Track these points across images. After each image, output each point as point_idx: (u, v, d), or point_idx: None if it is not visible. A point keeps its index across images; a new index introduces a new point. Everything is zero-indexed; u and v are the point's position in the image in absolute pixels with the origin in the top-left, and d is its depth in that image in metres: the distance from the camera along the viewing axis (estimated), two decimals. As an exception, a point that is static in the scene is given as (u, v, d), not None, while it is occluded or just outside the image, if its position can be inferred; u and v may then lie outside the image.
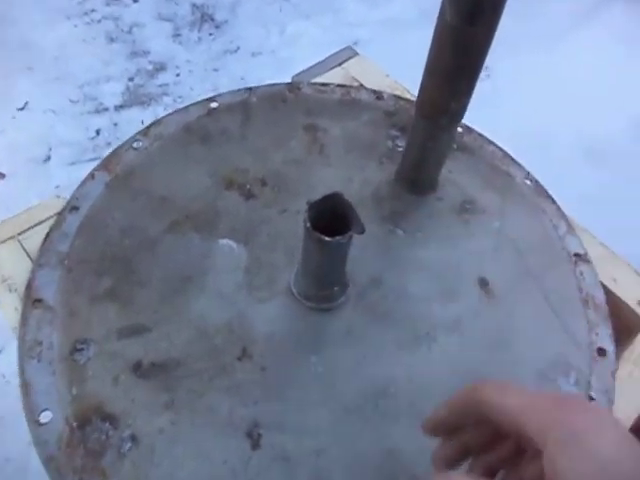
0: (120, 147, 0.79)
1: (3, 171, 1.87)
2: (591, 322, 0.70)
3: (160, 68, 2.42)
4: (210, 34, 2.59)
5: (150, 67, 2.42)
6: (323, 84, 0.89)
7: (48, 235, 0.69)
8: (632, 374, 0.69)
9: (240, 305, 0.67)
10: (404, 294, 0.70)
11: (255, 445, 0.59)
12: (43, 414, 0.58)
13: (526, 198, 0.81)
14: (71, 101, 2.22)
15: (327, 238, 0.55)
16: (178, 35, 2.55)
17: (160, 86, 2.32)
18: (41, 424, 0.58)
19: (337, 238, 0.55)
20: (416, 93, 0.67)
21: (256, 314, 0.67)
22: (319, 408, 0.61)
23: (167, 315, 0.65)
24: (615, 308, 0.74)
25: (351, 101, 0.87)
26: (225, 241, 0.72)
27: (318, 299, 0.67)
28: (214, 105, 0.85)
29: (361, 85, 0.90)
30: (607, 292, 0.75)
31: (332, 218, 0.58)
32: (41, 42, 2.33)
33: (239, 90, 0.86)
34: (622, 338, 0.75)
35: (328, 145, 0.83)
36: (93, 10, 2.50)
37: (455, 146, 0.85)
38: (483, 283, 0.72)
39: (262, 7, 2.71)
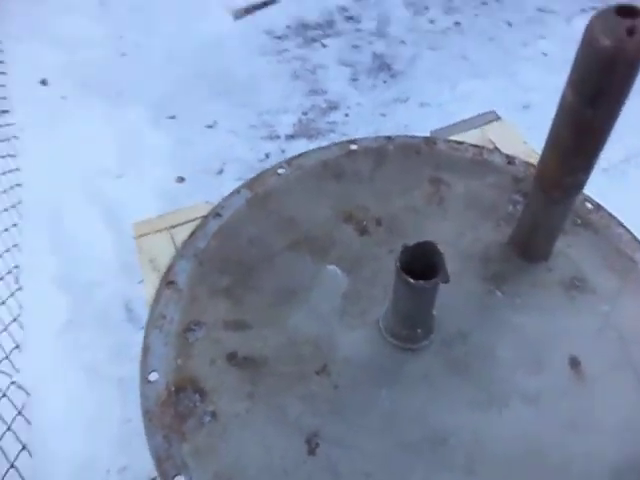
0: (266, 171, 0.92)
1: (184, 176, 2.18)
2: (690, 433, 0.65)
3: (333, 107, 2.63)
4: (384, 82, 2.75)
5: (324, 105, 2.63)
6: (458, 142, 0.94)
7: (193, 233, 0.84)
8: None
9: (331, 326, 0.74)
10: (489, 354, 0.72)
11: (311, 451, 0.64)
12: (152, 374, 0.70)
13: (646, 288, 0.77)
14: (251, 126, 2.50)
15: (412, 280, 0.60)
16: (355, 80, 2.75)
17: (329, 123, 2.51)
18: (149, 382, 0.70)
19: (421, 282, 0.60)
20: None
21: (343, 338, 0.73)
22: (377, 436, 0.65)
23: (267, 319, 0.75)
24: None
25: (482, 162, 0.91)
26: (332, 267, 0.80)
27: (401, 338, 0.71)
28: (353, 147, 0.94)
29: (495, 148, 0.93)
30: None
31: (424, 264, 0.62)
32: (237, 72, 2.68)
33: (379, 137, 0.95)
34: None
35: (448, 199, 0.87)
36: (286, 50, 2.81)
37: (579, 221, 0.84)
38: (574, 363, 0.71)
39: (440, 63, 2.81)
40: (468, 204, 0.86)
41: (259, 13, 2.93)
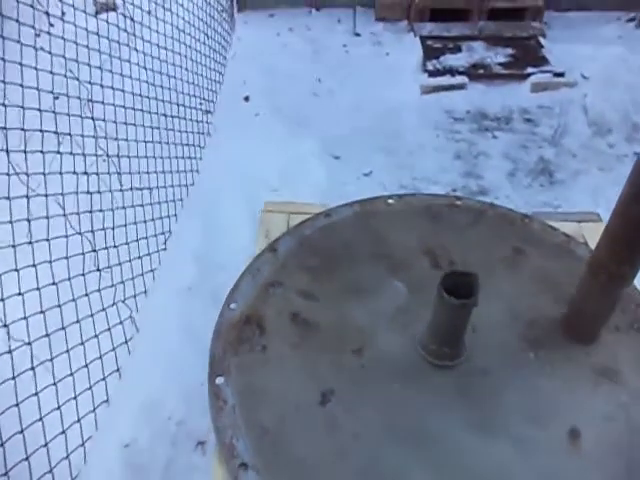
0: (379, 197, 1.10)
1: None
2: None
3: (482, 192, 2.74)
4: (541, 185, 2.80)
5: (475, 188, 2.76)
6: (552, 227, 1.04)
7: (304, 221, 1.05)
8: None
9: (378, 325, 0.89)
10: (499, 395, 0.81)
11: (322, 403, 0.79)
12: (233, 304, 0.91)
13: (676, 402, 0.80)
14: (401, 185, 2.70)
15: (445, 294, 0.74)
16: (513, 175, 2.85)
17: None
18: (229, 308, 0.90)
19: (452, 298, 0.73)
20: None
21: (384, 336, 0.88)
22: (377, 413, 0.78)
23: (332, 300, 0.92)
24: None
25: (567, 249, 1.00)
26: (399, 283, 0.95)
27: (428, 351, 0.84)
28: (458, 203, 1.09)
29: (585, 242, 1.02)
30: None
31: (464, 291, 0.75)
32: (408, 138, 2.92)
33: (482, 202, 1.09)
34: None
35: (522, 268, 0.98)
36: (458, 132, 3.01)
37: (636, 326, 0.89)
38: (574, 433, 0.77)
39: (604, 184, 2.79)
40: (538, 276, 0.96)
41: (445, 94, 3.19)
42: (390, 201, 1.10)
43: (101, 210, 1.95)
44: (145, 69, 2.40)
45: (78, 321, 1.71)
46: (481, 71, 3.23)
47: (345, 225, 1.04)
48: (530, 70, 3.24)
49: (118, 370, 1.84)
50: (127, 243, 2.04)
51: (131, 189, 2.14)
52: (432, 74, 3.21)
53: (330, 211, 1.07)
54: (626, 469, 0.73)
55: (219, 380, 0.81)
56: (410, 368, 0.83)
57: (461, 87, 3.21)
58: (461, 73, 3.22)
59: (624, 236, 0.71)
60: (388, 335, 0.88)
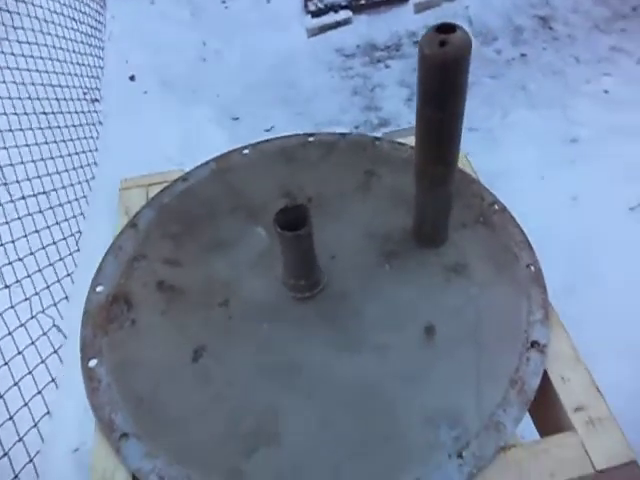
0: (234, 150, 1.11)
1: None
2: (507, 400, 0.74)
3: (383, 124, 2.78)
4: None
5: (376, 121, 2.79)
6: (400, 143, 1.08)
7: (161, 191, 1.05)
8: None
9: (241, 273, 0.91)
10: (358, 312, 0.85)
11: (195, 359, 0.82)
12: (99, 287, 0.91)
13: (518, 281, 0.87)
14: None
15: (279, 230, 0.76)
16: (410, 100, 2.89)
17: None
18: (95, 292, 0.91)
19: (286, 232, 0.76)
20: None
21: (248, 283, 0.90)
22: (248, 358, 0.81)
23: (195, 261, 0.94)
24: (551, 403, 0.76)
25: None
26: (260, 229, 0.97)
27: (289, 287, 0.87)
28: (311, 139, 1.11)
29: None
30: (549, 387, 0.77)
31: (301, 223, 0.78)
32: (302, 84, 2.91)
33: (334, 134, 1.11)
34: (545, 430, 0.76)
35: (374, 189, 1.01)
36: (351, 68, 3.01)
37: (481, 219, 0.94)
38: (430, 330, 0.82)
39: (497, 91, 2.86)
40: (389, 194, 1.00)
41: (332, 33, 3.16)
42: (245, 152, 1.11)
43: (-6, 226, 1.89)
44: (10, 69, 2.28)
45: (-4, 342, 1.68)
46: (363, 1, 3.21)
47: (203, 186, 1.05)
48: (410, -9, 3.23)
49: (53, 380, 1.83)
50: (32, 253, 1.99)
51: (23, 197, 2.07)
52: (315, 14, 3.18)
53: (187, 175, 1.07)
54: (475, 353, 0.79)
55: (92, 362, 0.82)
56: (275, 307, 0.87)
57: (346, 22, 3.19)
58: (344, 7, 3.20)
59: (428, 138, 0.75)
60: (253, 281, 0.90)
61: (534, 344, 0.79)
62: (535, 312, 0.83)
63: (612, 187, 2.12)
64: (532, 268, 0.88)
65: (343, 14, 3.17)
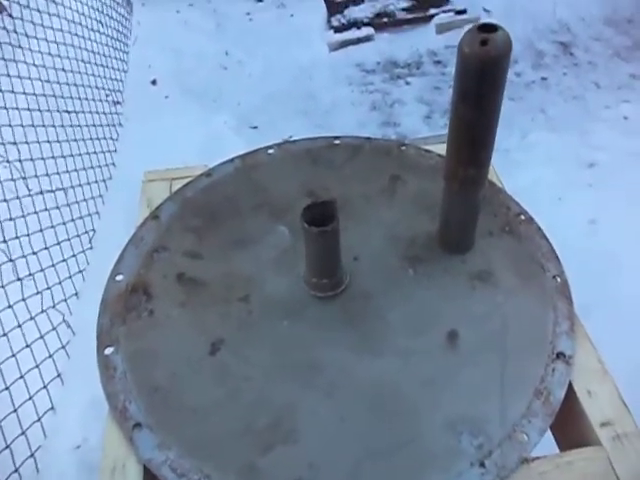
0: (260, 149, 1.11)
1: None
2: (531, 410, 0.72)
3: (401, 139, 2.77)
4: (457, 124, 2.85)
5: (394, 137, 2.79)
6: (427, 150, 1.07)
7: (185, 185, 1.04)
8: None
9: (264, 270, 0.90)
10: (381, 315, 0.84)
11: (212, 353, 0.81)
12: (118, 276, 0.91)
13: (544, 291, 0.85)
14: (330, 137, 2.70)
15: (306, 225, 0.75)
16: (429, 117, 2.89)
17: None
18: (115, 280, 0.90)
19: (313, 228, 0.75)
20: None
21: (269, 280, 0.89)
22: (268, 354, 0.80)
23: (216, 255, 0.93)
24: (576, 417, 0.74)
25: (440, 169, 1.03)
26: (283, 228, 0.96)
27: (311, 285, 0.86)
28: (337, 142, 1.11)
29: (458, 160, 1.05)
30: (574, 400, 0.75)
31: (327, 221, 0.77)
32: (322, 97, 2.93)
33: (359, 138, 1.11)
34: (568, 444, 0.73)
35: (400, 193, 1.00)
36: (371, 83, 3.03)
37: (507, 229, 0.93)
38: (453, 335, 0.81)
39: (516, 112, 2.87)
40: (415, 199, 0.99)
41: (353, 48, 3.19)
42: (270, 151, 1.10)
43: (11, 219, 1.90)
44: (37, 67, 2.31)
45: (5, 334, 1.67)
46: (385, 19, 3.25)
47: (227, 182, 1.05)
48: (433, 11, 3.27)
49: (59, 376, 1.82)
50: (47, 248, 1.99)
51: (41, 192, 2.08)
52: (338, 30, 3.21)
53: (211, 170, 1.07)
54: (499, 361, 0.78)
55: (108, 350, 0.81)
56: (296, 305, 0.85)
57: (368, 39, 3.22)
58: (366, 24, 3.22)
59: (462, 138, 0.74)
60: (274, 278, 0.89)
61: (560, 355, 0.78)
62: (561, 323, 0.81)
63: (630, 212, 2.10)
64: (558, 279, 0.87)
65: (365, 31, 3.20)
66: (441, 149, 1.09)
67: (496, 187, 1.02)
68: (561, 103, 2.93)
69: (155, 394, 0.76)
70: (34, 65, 2.30)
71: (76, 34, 2.66)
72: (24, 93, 2.18)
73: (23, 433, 1.59)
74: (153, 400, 0.75)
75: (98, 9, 2.93)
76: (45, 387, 1.73)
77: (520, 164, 2.57)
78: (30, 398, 1.67)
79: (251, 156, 1.09)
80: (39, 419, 1.66)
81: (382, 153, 1.08)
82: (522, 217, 0.96)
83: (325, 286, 0.85)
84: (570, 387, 0.76)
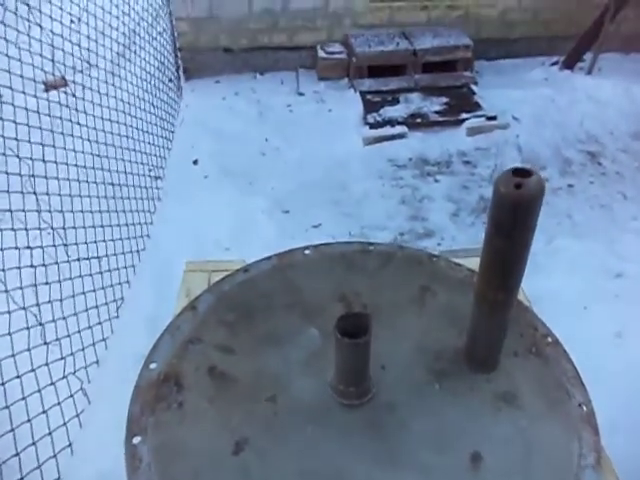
0: (296, 249, 1.16)
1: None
2: None
3: (428, 234, 2.84)
4: (484, 223, 2.91)
5: (421, 231, 2.86)
6: (456, 263, 1.11)
7: (223, 278, 1.09)
8: None
9: (293, 372, 0.93)
10: (406, 428, 0.85)
11: (235, 452, 0.82)
12: (152, 364, 0.94)
13: (570, 419, 0.85)
14: (350, 234, 2.78)
15: (339, 335, 0.79)
16: (456, 215, 2.96)
17: (421, 248, 2.72)
18: (148, 368, 0.93)
19: (345, 339, 0.78)
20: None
21: (297, 382, 0.91)
22: (290, 459, 0.81)
23: (248, 352, 0.96)
24: None
25: (469, 284, 1.06)
26: (314, 330, 1.00)
27: (338, 392, 0.88)
28: (371, 248, 1.16)
29: (487, 276, 1.09)
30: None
31: (363, 332, 0.81)
32: (353, 188, 3.04)
33: (393, 245, 1.16)
34: None
35: (429, 305, 1.04)
36: (401, 178, 3.14)
37: (534, 350, 0.95)
38: (476, 457, 0.81)
39: (542, 216, 2.91)
40: (444, 311, 1.02)
41: (387, 144, 3.34)
42: (307, 252, 1.16)
43: (47, 283, 1.97)
44: (90, 142, 2.48)
45: (24, 398, 1.70)
46: (419, 120, 3.41)
47: (263, 278, 1.09)
48: (464, 116, 3.44)
49: (70, 445, 1.81)
50: (75, 314, 2.05)
51: (78, 259, 2.17)
52: (373, 126, 3.38)
53: (248, 266, 1.12)
54: (523, 488, 0.77)
55: (136, 440, 0.83)
56: (322, 410, 0.87)
57: (401, 136, 3.37)
58: (400, 123, 3.39)
59: (493, 266, 0.78)
60: (302, 381, 0.91)
61: (584, 490, 0.77)
62: (587, 455, 0.81)
63: (657, 326, 2.09)
64: (584, 408, 0.87)
65: (399, 129, 3.36)
66: (470, 263, 1.13)
67: (523, 306, 1.05)
68: (588, 211, 2.98)
69: (177, 491, 0.77)
70: (88, 140, 2.47)
71: (129, 113, 2.86)
72: (76, 165, 2.32)
73: (25, 505, 1.57)
74: (174, 497, 0.76)
75: (150, 92, 3.15)
76: (55, 456, 1.73)
77: (545, 269, 2.59)
78: (39, 467, 1.67)
79: (288, 255, 1.15)
80: (44, 493, 1.64)
81: (414, 262, 1.13)
82: (549, 339, 0.98)
83: (352, 394, 0.87)
84: (594, 525, 0.74)
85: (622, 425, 1.74)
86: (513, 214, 0.71)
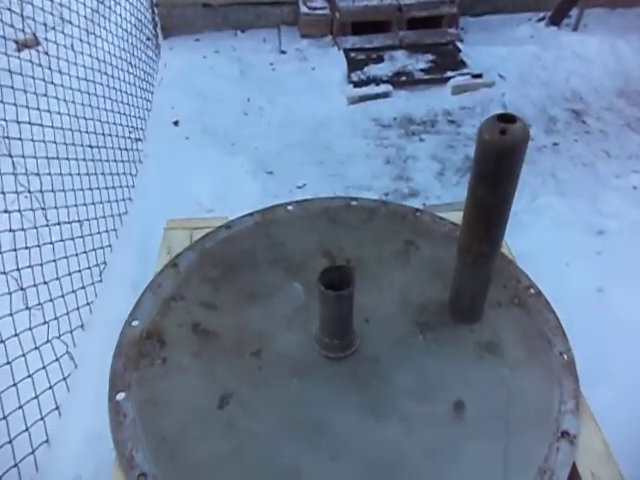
0: (279, 205, 1.15)
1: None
2: (535, 488, 0.73)
3: (413, 194, 2.82)
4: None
5: (406, 191, 2.84)
6: (440, 217, 1.11)
7: (205, 235, 1.08)
8: None
9: (276, 326, 0.92)
10: (389, 379, 0.85)
11: (220, 406, 0.82)
12: (134, 322, 0.93)
13: (551, 367, 0.86)
14: (335, 195, 2.75)
15: (322, 288, 0.78)
16: (442, 175, 2.95)
17: (404, 205, 2.71)
18: (130, 326, 0.92)
19: (329, 291, 0.78)
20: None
21: (281, 337, 0.91)
22: (275, 410, 0.81)
23: (231, 308, 0.95)
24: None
25: (453, 237, 1.06)
26: (297, 284, 0.99)
27: (323, 345, 0.88)
28: (354, 203, 1.15)
29: (471, 230, 1.08)
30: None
31: (345, 285, 0.80)
32: (338, 148, 3.01)
33: (376, 200, 1.14)
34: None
35: (413, 258, 1.03)
36: (386, 138, 3.10)
37: (517, 301, 0.95)
38: (459, 405, 0.82)
39: (526, 175, 2.91)
40: (427, 265, 1.02)
41: (371, 103, 3.29)
42: (289, 208, 1.14)
43: (27, 247, 1.93)
44: (66, 102, 2.40)
45: (9, 362, 1.68)
46: (404, 78, 3.35)
47: (245, 235, 1.08)
48: (450, 74, 3.38)
49: (57, 408, 1.82)
50: (58, 278, 2.02)
51: (58, 224, 2.12)
52: (357, 85, 3.31)
53: (231, 223, 1.11)
54: (504, 436, 0.78)
55: (119, 396, 0.83)
56: (306, 364, 0.87)
57: (386, 95, 3.31)
58: (385, 82, 3.33)
59: (477, 217, 0.78)
60: (286, 335, 0.91)
61: (564, 434, 0.78)
62: (567, 401, 0.82)
63: (638, 282, 2.12)
64: (565, 356, 0.88)
65: (384, 87, 3.30)
66: (454, 217, 1.12)
67: (506, 259, 1.05)
68: (571, 169, 2.98)
69: (162, 444, 0.77)
70: (64, 101, 2.39)
71: (105, 73, 2.77)
72: (52, 127, 2.25)
73: (16, 465, 1.57)
74: (160, 450, 0.76)
75: (128, 50, 3.05)
76: (42, 419, 1.73)
77: (529, 226, 2.60)
78: (27, 429, 1.67)
79: (270, 211, 1.13)
80: (33, 452, 1.65)
81: (397, 217, 1.12)
82: (531, 290, 0.98)
83: (336, 347, 0.87)
84: (574, 467, 0.76)
85: (601, 380, 1.78)
86: (498, 161, 0.70)
